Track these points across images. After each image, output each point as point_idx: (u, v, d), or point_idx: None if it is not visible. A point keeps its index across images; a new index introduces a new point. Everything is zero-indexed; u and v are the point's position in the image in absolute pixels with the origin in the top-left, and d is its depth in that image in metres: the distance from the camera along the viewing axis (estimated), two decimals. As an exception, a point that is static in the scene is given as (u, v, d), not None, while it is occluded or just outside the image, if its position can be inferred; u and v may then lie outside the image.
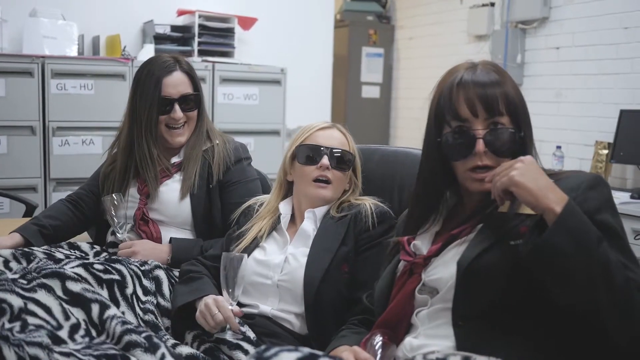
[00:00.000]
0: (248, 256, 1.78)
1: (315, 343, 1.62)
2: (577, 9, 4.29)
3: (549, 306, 1.25)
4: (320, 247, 1.74)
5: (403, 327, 1.38)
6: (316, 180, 1.81)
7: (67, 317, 1.49)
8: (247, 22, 4.49)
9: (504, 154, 1.33)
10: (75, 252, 1.98)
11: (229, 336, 1.60)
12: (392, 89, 6.29)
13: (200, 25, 4.24)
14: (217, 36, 4.32)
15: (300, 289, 1.69)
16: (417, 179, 1.49)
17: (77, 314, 1.52)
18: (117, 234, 2.05)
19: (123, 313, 1.63)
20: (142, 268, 1.81)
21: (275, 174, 1.97)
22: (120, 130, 2.20)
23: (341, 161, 1.83)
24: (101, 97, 3.79)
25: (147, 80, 2.07)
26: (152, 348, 1.42)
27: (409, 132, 6.01)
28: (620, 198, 3.38)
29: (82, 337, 1.47)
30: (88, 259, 1.92)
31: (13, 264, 1.80)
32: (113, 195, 2.06)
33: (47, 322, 1.45)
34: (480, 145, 1.33)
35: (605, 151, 3.88)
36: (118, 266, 1.75)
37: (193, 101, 2.13)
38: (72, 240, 2.13)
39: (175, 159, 2.17)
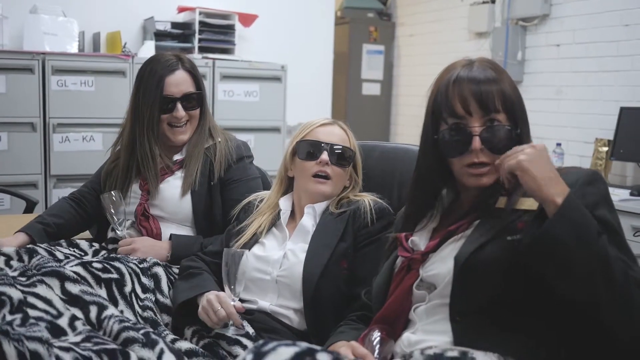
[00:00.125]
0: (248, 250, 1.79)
1: (314, 339, 1.63)
2: (577, 6, 4.29)
3: (547, 302, 1.26)
4: (319, 243, 1.74)
5: (401, 323, 1.39)
6: (315, 175, 1.82)
7: (67, 309, 1.51)
8: (247, 19, 4.49)
9: (500, 151, 1.33)
10: (74, 251, 1.99)
11: (231, 332, 1.61)
12: (393, 86, 6.29)
13: (200, 22, 4.24)
14: (217, 33, 4.32)
15: (299, 285, 1.69)
16: (413, 176, 1.49)
17: (76, 313, 1.53)
18: (117, 231, 2.05)
19: (122, 312, 1.63)
20: (141, 266, 1.82)
21: (276, 171, 1.97)
22: (122, 128, 2.20)
23: (341, 157, 1.84)
24: (102, 94, 3.79)
25: (150, 78, 2.08)
26: (150, 343, 1.42)
27: (409, 129, 6.01)
28: (620, 195, 3.38)
29: (83, 324, 1.48)
30: (87, 257, 1.92)
31: (14, 263, 1.80)
32: (112, 192, 2.07)
33: (47, 312, 1.46)
34: (476, 142, 1.33)
35: (605, 148, 3.88)
36: (117, 264, 1.75)
37: (195, 100, 2.13)
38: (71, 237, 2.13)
39: (177, 157, 2.17)
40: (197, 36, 4.23)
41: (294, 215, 1.89)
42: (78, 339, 1.42)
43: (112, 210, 2.06)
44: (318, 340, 1.58)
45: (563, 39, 4.41)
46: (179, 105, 2.09)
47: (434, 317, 1.34)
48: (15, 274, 1.59)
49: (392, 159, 2.04)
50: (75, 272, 1.63)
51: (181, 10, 4.39)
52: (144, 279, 1.78)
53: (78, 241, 2.06)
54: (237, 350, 1.58)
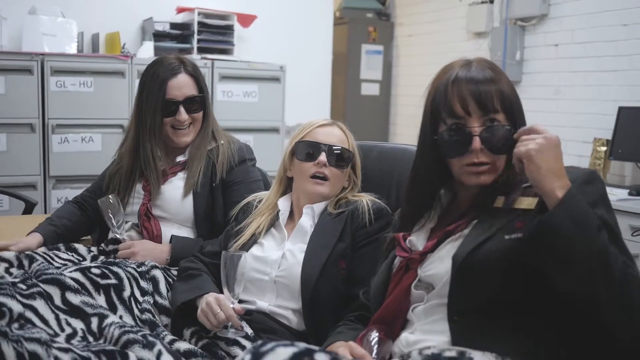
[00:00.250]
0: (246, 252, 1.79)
1: (312, 339, 1.63)
2: (576, 6, 4.29)
3: (546, 301, 1.26)
4: (318, 244, 1.74)
5: (399, 323, 1.39)
6: (314, 176, 1.82)
7: (62, 330, 1.52)
8: (246, 20, 4.49)
9: (500, 150, 1.34)
10: (72, 255, 1.99)
11: (231, 334, 1.61)
12: (392, 86, 6.29)
13: (199, 23, 4.24)
14: (216, 33, 4.32)
15: (297, 285, 1.70)
16: (410, 176, 1.49)
17: (75, 323, 1.55)
18: (116, 235, 2.06)
19: (121, 317, 1.64)
20: (139, 269, 1.82)
21: (275, 172, 1.98)
22: (127, 131, 2.23)
23: (339, 159, 1.84)
24: (101, 95, 3.79)
25: (152, 82, 2.10)
26: (148, 345, 1.43)
27: (408, 129, 6.01)
28: (618, 195, 3.39)
29: (79, 341, 1.49)
30: (85, 263, 1.92)
31: (14, 270, 1.80)
32: (109, 196, 2.07)
33: (44, 330, 1.46)
34: (476, 142, 1.33)
35: (604, 148, 3.89)
36: (115, 269, 1.76)
37: (198, 103, 2.15)
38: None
39: (180, 158, 2.19)
40: (196, 37, 4.23)
41: (292, 216, 1.89)
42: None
43: (111, 215, 2.06)
44: (316, 340, 1.58)
45: (561, 39, 4.41)
46: (182, 108, 2.11)
47: (432, 317, 1.34)
48: (16, 280, 1.59)
49: (391, 159, 2.04)
50: (74, 279, 1.64)
51: (180, 10, 4.39)
52: (142, 283, 1.79)
53: (76, 246, 2.06)
54: (236, 350, 1.58)
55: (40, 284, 1.59)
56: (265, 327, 1.68)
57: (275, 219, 1.88)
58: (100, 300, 1.66)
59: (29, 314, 1.49)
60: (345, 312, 1.64)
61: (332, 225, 1.77)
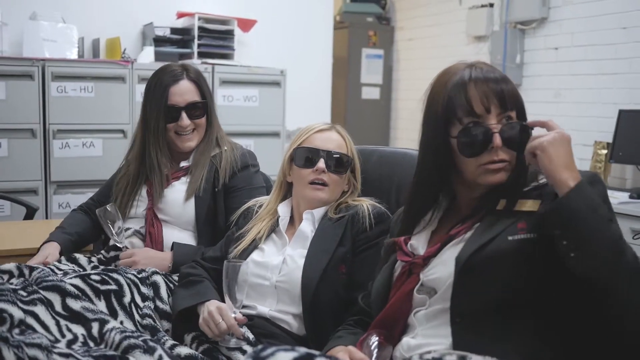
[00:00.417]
0: (246, 258, 1.80)
1: (313, 344, 1.62)
2: (575, 9, 4.30)
3: (549, 303, 1.27)
4: (318, 249, 1.74)
5: (400, 327, 1.39)
6: (313, 182, 1.82)
7: (62, 336, 1.52)
8: (246, 24, 4.50)
9: (518, 147, 1.35)
10: (73, 267, 2.00)
11: (232, 344, 1.61)
12: (392, 90, 6.30)
13: (199, 28, 4.25)
14: (216, 38, 4.33)
15: (297, 290, 1.70)
16: (413, 180, 1.49)
17: (76, 329, 1.55)
18: (117, 244, 2.07)
19: (121, 322, 1.64)
20: (140, 275, 1.82)
21: (275, 176, 1.98)
22: (134, 137, 2.26)
23: (338, 164, 1.83)
24: (101, 100, 3.80)
25: (156, 89, 2.14)
26: (149, 350, 1.43)
27: (409, 133, 6.01)
28: (619, 198, 3.38)
29: (80, 347, 1.49)
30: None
31: (14, 280, 1.80)
32: (107, 206, 2.09)
33: (45, 336, 1.46)
34: (497, 139, 1.33)
35: (604, 151, 3.89)
36: (115, 276, 1.76)
37: (200, 109, 2.18)
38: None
39: (184, 163, 2.22)
40: (196, 42, 4.24)
41: (293, 221, 1.89)
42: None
43: (109, 223, 2.07)
44: (317, 345, 1.58)
45: (561, 42, 4.41)
46: (184, 114, 2.14)
47: (434, 322, 1.34)
48: (17, 287, 1.60)
49: (391, 163, 2.04)
50: (74, 285, 1.65)
51: (180, 15, 4.40)
52: (143, 289, 1.79)
53: (77, 256, 2.07)
54: (237, 355, 1.59)
55: (41, 291, 1.59)
56: (266, 332, 1.68)
57: (276, 225, 1.88)
58: (101, 305, 1.66)
59: (30, 320, 1.49)
60: (346, 316, 1.64)
61: (332, 230, 1.77)
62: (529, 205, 1.33)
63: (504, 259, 1.27)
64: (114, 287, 1.72)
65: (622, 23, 3.97)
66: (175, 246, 2.07)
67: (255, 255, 1.81)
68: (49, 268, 1.89)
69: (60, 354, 1.33)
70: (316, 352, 1.14)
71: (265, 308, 1.74)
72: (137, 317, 1.70)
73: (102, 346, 1.50)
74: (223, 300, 1.67)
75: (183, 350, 1.55)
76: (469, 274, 1.28)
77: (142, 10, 4.35)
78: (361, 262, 1.73)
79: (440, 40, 5.61)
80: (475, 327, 1.27)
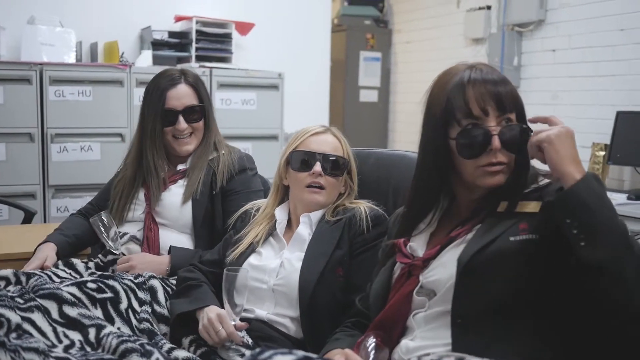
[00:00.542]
0: (244, 261, 1.80)
1: (310, 347, 1.62)
2: (573, 12, 4.31)
3: (548, 303, 1.27)
4: (315, 251, 1.74)
5: (398, 329, 1.39)
6: (309, 186, 1.82)
7: (59, 341, 1.52)
8: (244, 28, 4.50)
9: (517, 149, 1.35)
10: (70, 274, 2.00)
11: (232, 352, 1.61)
12: (390, 93, 6.31)
13: (197, 31, 4.25)
14: (214, 42, 4.33)
15: (295, 293, 1.69)
16: (413, 182, 1.49)
17: (73, 335, 1.55)
18: (113, 251, 2.06)
19: (119, 329, 1.64)
20: (136, 281, 1.82)
21: (273, 179, 1.98)
22: (132, 141, 2.28)
23: (335, 167, 1.83)
24: (99, 104, 3.79)
25: (154, 93, 2.16)
26: (146, 354, 1.43)
27: (407, 136, 6.01)
28: (617, 199, 3.38)
29: (77, 351, 1.49)
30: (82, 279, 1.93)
31: (11, 287, 1.80)
32: (101, 214, 2.08)
33: (42, 341, 1.46)
34: (496, 141, 1.33)
35: (602, 153, 3.89)
36: (111, 282, 1.75)
37: (198, 112, 2.19)
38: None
39: (181, 166, 2.23)
40: (194, 45, 4.24)
41: (290, 224, 1.89)
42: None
43: (105, 233, 2.07)
44: (314, 348, 1.58)
45: (559, 44, 4.42)
46: (181, 118, 2.15)
47: (433, 324, 1.33)
48: (14, 295, 1.60)
49: (388, 165, 2.04)
50: (71, 293, 1.64)
51: (178, 19, 4.40)
52: (140, 293, 1.78)
53: (74, 261, 2.07)
54: (235, 358, 1.58)
55: (38, 299, 1.60)
56: (264, 335, 1.68)
57: (273, 228, 1.87)
58: (98, 313, 1.66)
59: (27, 326, 1.49)
60: (343, 319, 1.64)
61: (329, 233, 1.77)
62: (532, 206, 1.33)
63: (506, 259, 1.27)
64: (109, 294, 1.71)
65: (620, 25, 3.98)
66: (172, 250, 2.07)
67: (252, 259, 1.81)
68: (47, 274, 1.89)
69: (57, 358, 1.33)
70: (314, 355, 1.14)
71: (263, 311, 1.74)
72: (134, 322, 1.70)
73: (99, 351, 1.50)
74: (222, 305, 1.67)
75: (180, 354, 1.54)
76: (470, 275, 1.28)
77: (140, 14, 4.35)
78: (358, 264, 1.73)
79: (438, 43, 5.62)
80: (475, 328, 1.27)
